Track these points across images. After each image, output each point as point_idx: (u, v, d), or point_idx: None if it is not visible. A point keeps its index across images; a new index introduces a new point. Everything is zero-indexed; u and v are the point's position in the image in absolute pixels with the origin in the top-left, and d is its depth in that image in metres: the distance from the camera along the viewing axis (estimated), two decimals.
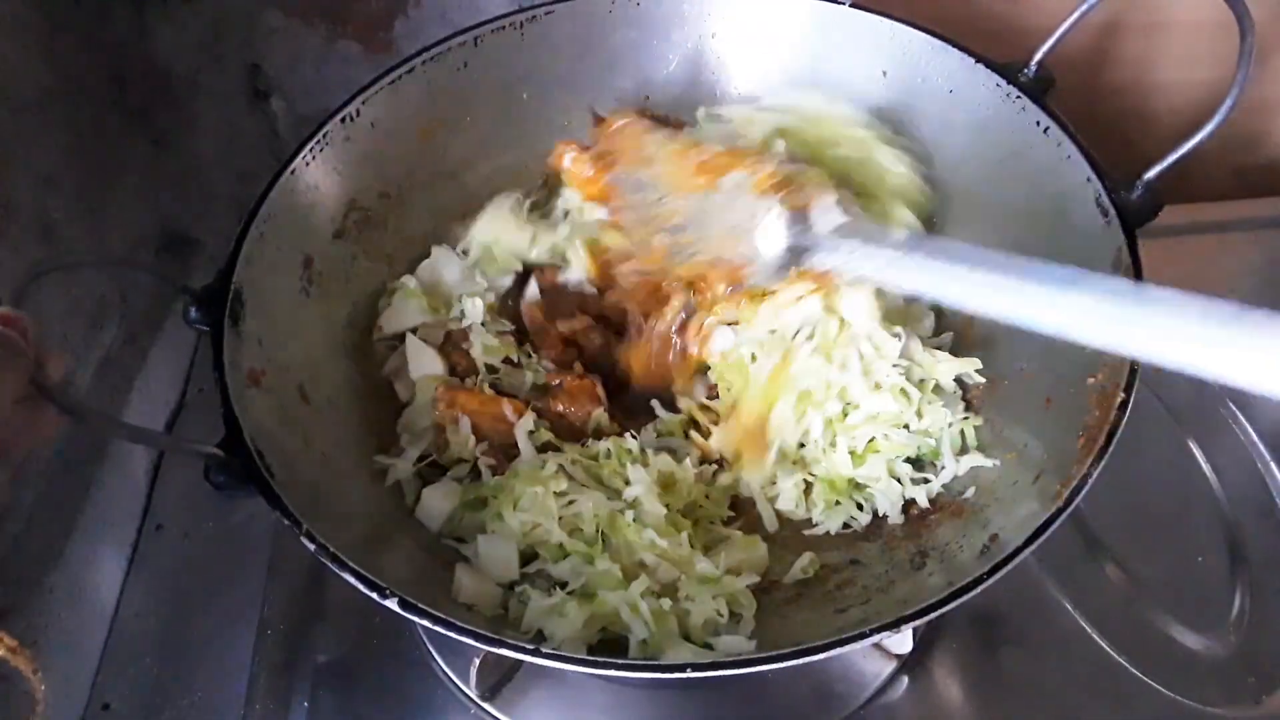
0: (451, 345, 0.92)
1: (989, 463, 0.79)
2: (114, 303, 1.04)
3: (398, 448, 0.87)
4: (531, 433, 0.85)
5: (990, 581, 0.61)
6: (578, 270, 0.95)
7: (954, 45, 0.90)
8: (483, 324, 0.92)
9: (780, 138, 0.93)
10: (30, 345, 0.53)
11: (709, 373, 0.89)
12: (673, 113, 1.03)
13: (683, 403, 0.89)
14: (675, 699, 0.87)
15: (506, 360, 0.91)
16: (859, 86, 0.97)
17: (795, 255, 0.74)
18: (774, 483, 0.85)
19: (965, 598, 0.61)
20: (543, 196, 1.02)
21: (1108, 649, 0.88)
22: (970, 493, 0.79)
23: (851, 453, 0.83)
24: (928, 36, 0.91)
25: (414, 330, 0.91)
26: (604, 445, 0.83)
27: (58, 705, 0.87)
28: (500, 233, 0.97)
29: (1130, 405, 0.67)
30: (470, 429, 0.84)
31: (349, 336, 0.90)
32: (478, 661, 0.85)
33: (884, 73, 0.95)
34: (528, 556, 0.79)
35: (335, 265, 0.89)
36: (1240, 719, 0.84)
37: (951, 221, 0.95)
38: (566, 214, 1.01)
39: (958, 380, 0.86)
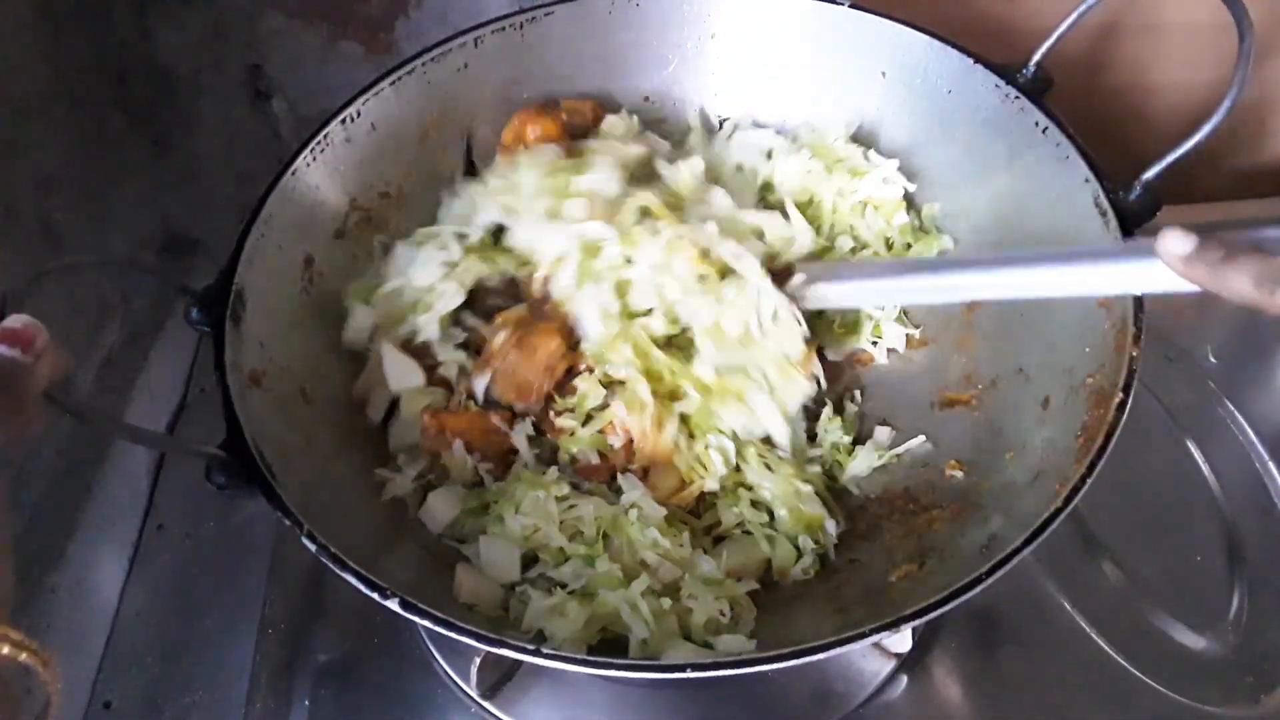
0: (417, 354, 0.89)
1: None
2: (115, 303, 1.04)
3: (394, 464, 0.85)
4: (531, 438, 0.85)
5: (990, 581, 0.61)
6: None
7: (953, 46, 0.90)
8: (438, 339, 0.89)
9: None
10: (43, 353, 0.50)
11: None
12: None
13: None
14: (675, 699, 0.88)
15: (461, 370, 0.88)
16: (858, 87, 0.98)
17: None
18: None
19: (965, 597, 0.61)
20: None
21: (1106, 648, 0.88)
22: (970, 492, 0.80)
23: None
24: (927, 37, 0.91)
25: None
26: None
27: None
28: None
29: (1129, 405, 0.67)
30: (464, 450, 0.83)
31: None
32: (478, 661, 0.85)
33: (883, 73, 0.96)
34: (529, 559, 0.79)
35: (337, 265, 0.89)
36: (1239, 718, 0.84)
37: (950, 222, 0.96)
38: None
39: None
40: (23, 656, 0.42)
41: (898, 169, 0.97)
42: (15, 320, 0.50)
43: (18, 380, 0.50)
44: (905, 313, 0.96)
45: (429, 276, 0.89)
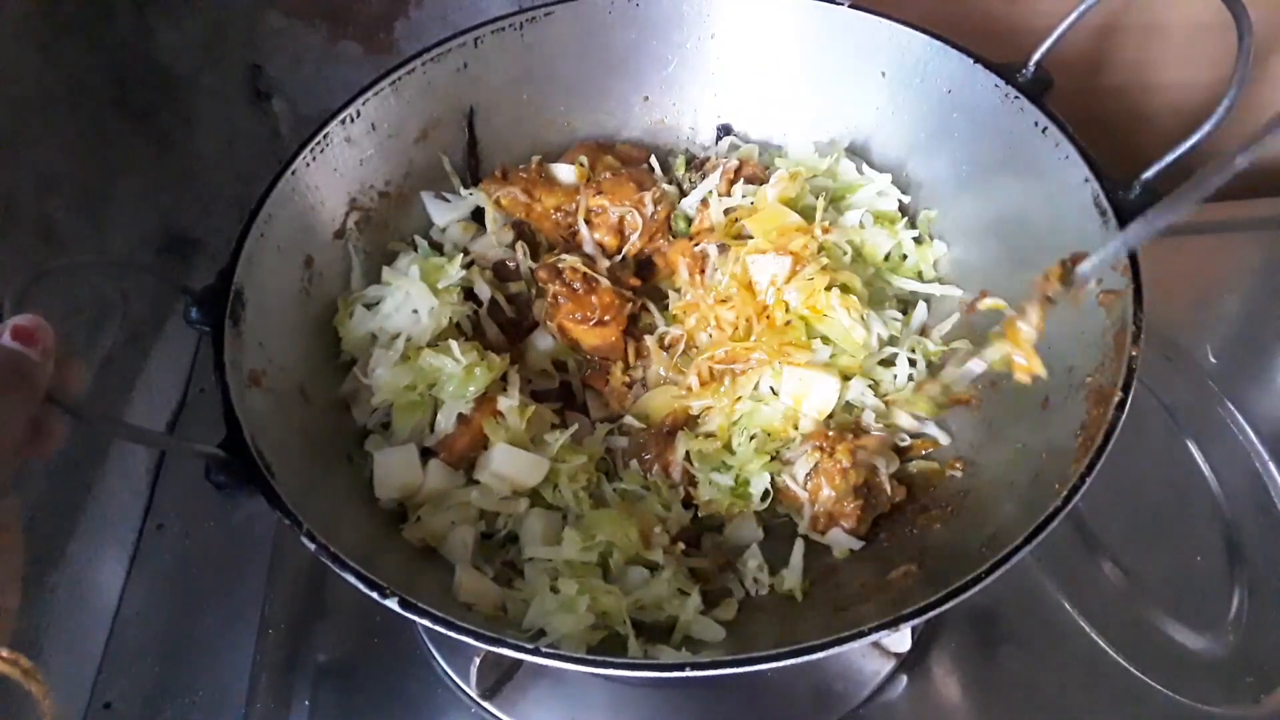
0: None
1: None
2: (115, 303, 1.04)
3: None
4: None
5: (989, 580, 0.61)
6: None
7: (953, 46, 0.90)
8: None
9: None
10: (50, 354, 0.52)
11: None
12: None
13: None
14: (675, 698, 0.88)
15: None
16: (858, 87, 0.98)
17: None
18: None
19: (964, 596, 0.61)
20: None
21: (1106, 648, 0.88)
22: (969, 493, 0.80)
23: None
24: (926, 37, 0.91)
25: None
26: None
27: (59, 705, 0.87)
28: None
29: (1128, 405, 0.67)
30: None
31: None
32: (478, 660, 0.85)
33: (883, 73, 0.95)
34: None
35: (336, 265, 0.89)
36: (1239, 718, 0.84)
37: (949, 222, 0.96)
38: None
39: None
40: (13, 673, 0.42)
41: (892, 181, 0.98)
42: (25, 319, 0.52)
43: (30, 376, 0.51)
44: None
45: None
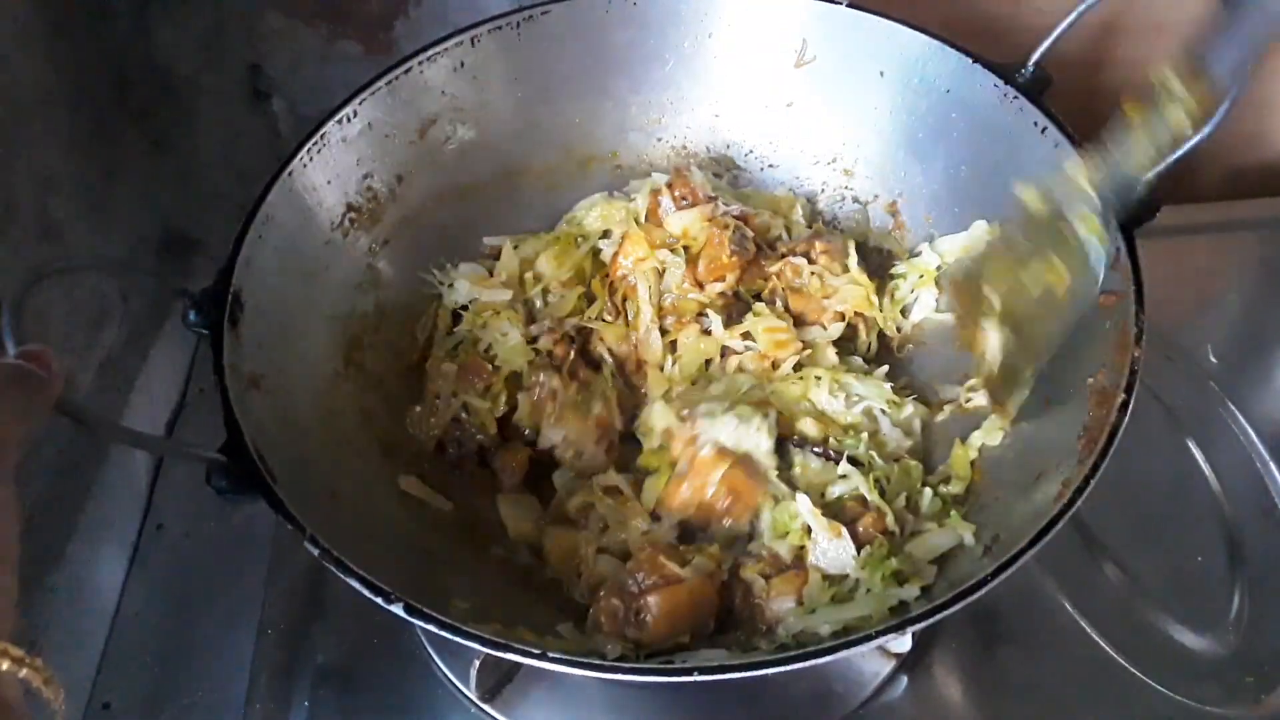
0: None
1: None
2: (114, 304, 1.04)
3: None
4: None
5: (994, 583, 0.61)
6: None
7: (951, 45, 0.90)
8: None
9: None
10: (58, 375, 0.54)
11: None
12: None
13: None
14: (675, 699, 0.88)
15: None
16: (856, 87, 0.97)
17: None
18: None
19: (969, 600, 0.61)
20: None
21: (1107, 648, 0.88)
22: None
23: None
24: (925, 36, 0.91)
25: None
26: None
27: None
28: None
29: (1131, 406, 0.67)
30: None
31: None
32: (478, 663, 0.85)
33: (881, 73, 0.95)
34: None
35: (336, 265, 0.89)
36: (1239, 718, 0.84)
37: (948, 221, 0.95)
38: None
39: None
40: (23, 673, 0.42)
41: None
42: (30, 348, 0.54)
43: (42, 386, 0.53)
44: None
45: None
